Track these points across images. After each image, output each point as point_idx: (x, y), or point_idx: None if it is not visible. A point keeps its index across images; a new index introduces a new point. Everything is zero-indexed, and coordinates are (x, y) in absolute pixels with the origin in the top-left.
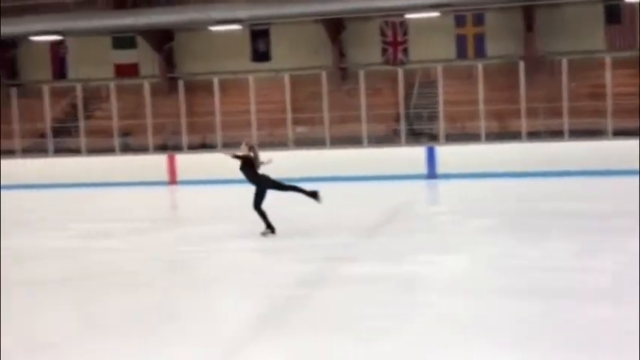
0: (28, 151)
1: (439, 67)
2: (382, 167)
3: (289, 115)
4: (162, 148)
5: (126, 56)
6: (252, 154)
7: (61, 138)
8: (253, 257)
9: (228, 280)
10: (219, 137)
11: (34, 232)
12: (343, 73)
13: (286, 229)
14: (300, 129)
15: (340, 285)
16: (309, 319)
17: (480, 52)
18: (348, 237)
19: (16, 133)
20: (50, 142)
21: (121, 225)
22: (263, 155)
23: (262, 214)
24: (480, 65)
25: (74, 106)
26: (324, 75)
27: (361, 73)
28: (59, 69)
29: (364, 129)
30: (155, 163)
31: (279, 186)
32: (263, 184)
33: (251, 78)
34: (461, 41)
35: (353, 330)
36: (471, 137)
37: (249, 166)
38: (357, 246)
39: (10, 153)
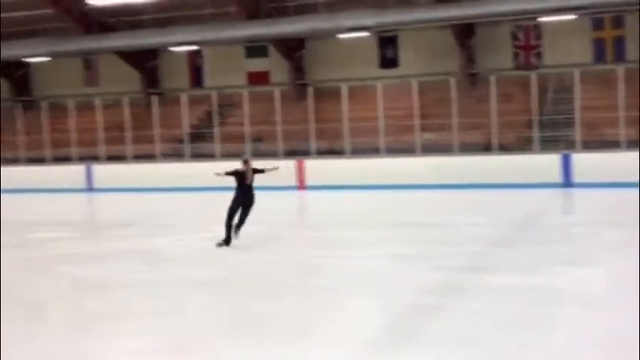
0: (167, 156)
1: (575, 72)
2: (514, 175)
3: (417, 122)
4: (291, 153)
5: (258, 64)
6: (244, 169)
7: (197, 143)
8: (384, 263)
9: (358, 286)
10: (346, 143)
11: (173, 234)
12: (472, 79)
13: (419, 236)
14: (427, 135)
15: (472, 295)
16: (439, 329)
17: (620, 56)
18: (480, 246)
19: (157, 138)
20: (187, 148)
21: (254, 228)
22: (271, 164)
23: (229, 227)
24: (620, 69)
25: (209, 113)
26: (452, 81)
27: (492, 79)
28: (196, 78)
29: (495, 136)
30: (284, 168)
31: (246, 211)
32: (241, 199)
33: (379, 84)
34: (598, 45)
35: (485, 344)
36: (610, 145)
37: (240, 180)
38: (490, 256)
39: (150, 157)
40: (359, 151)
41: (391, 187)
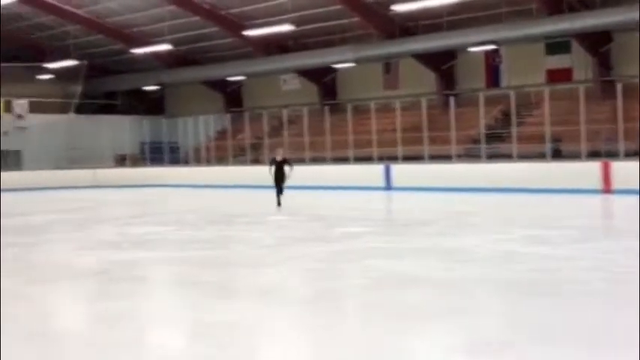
0: (462, 156)
1: None
2: None
3: None
4: (595, 154)
5: (559, 61)
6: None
7: (493, 144)
8: None
9: None
10: None
11: (473, 234)
12: None
13: None
14: None
15: None
16: None
17: None
18: None
19: (452, 139)
20: (483, 148)
21: (555, 232)
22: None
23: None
24: None
25: (506, 113)
26: None
27: None
28: (493, 77)
29: None
30: (587, 170)
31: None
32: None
33: None
34: None
35: None
36: None
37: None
38: None
39: (446, 158)
40: None
41: None
